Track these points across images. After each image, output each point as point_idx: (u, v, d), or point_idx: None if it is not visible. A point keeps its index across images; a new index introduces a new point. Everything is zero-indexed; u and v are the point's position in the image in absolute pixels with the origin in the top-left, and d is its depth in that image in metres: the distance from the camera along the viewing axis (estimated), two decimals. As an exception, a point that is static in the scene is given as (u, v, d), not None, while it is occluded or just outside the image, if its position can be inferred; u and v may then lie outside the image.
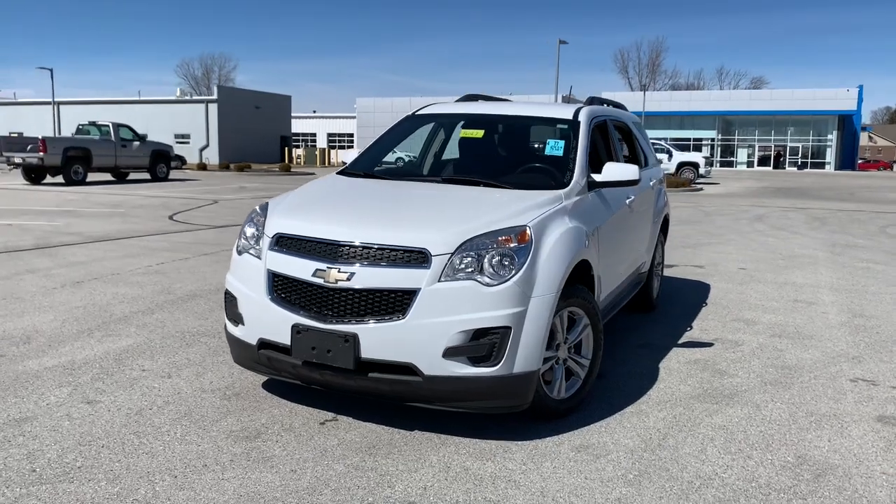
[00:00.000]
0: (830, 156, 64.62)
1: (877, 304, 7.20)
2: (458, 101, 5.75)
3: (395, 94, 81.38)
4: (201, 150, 51.49)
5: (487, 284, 3.48)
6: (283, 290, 3.72)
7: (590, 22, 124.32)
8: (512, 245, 3.58)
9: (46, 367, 4.57)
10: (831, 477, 3.44)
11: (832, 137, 64.30)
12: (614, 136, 5.47)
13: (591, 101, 5.58)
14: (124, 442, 3.54)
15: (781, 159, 65.40)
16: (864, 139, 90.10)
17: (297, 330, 3.59)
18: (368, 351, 3.48)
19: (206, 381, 4.41)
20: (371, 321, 3.48)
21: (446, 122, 5.49)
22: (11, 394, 4.12)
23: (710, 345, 5.63)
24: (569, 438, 3.77)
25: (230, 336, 4.03)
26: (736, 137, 66.77)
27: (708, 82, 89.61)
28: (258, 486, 3.15)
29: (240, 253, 4.01)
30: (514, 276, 3.51)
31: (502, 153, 5.10)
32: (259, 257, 3.86)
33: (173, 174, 28.94)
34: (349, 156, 5.19)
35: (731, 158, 66.24)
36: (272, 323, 3.70)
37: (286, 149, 54.39)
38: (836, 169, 63.17)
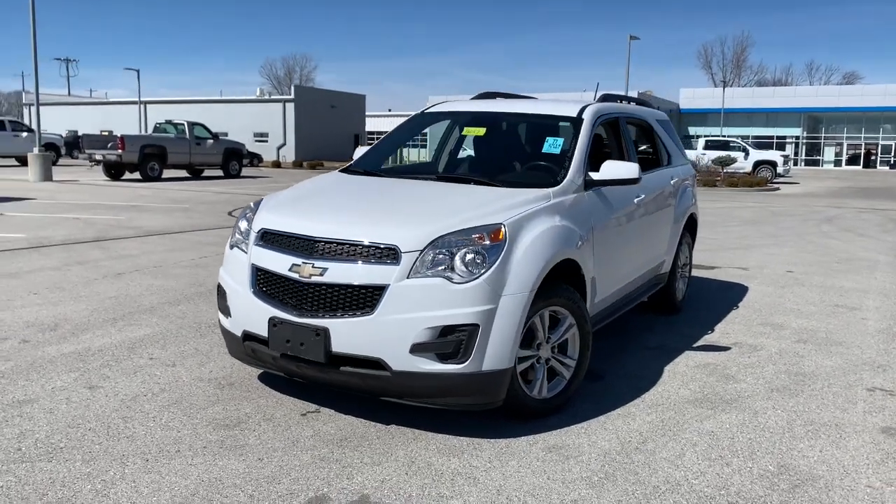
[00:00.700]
0: (926, 155, 61.23)
1: (923, 311, 6.84)
2: (473, 98, 5.77)
3: (471, 92, 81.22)
4: (278, 148, 52.79)
5: (456, 282, 3.50)
6: (265, 283, 3.83)
7: (673, 16, 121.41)
8: (485, 243, 3.59)
9: (63, 353, 4.83)
10: (809, 488, 3.31)
11: (929, 135, 60.94)
12: (627, 134, 5.37)
13: (605, 97, 5.50)
14: (110, 426, 3.71)
15: (873, 158, 62.29)
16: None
17: (273, 323, 3.69)
18: (339, 345, 3.54)
19: (207, 371, 4.58)
20: (341, 316, 3.55)
21: (456, 120, 5.51)
22: (23, 377, 4.37)
23: (727, 349, 5.47)
24: (544, 438, 3.75)
25: (222, 328, 4.18)
26: (823, 135, 64.02)
27: (797, 78, 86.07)
28: (222, 472, 3.26)
29: (231, 247, 4.15)
30: (483, 273, 3.52)
31: (502, 150, 5.09)
32: (246, 252, 3.98)
33: (246, 171, 29.84)
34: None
35: (818, 157, 63.54)
36: (254, 315, 3.81)
37: (359, 147, 55.19)
38: (932, 168, 59.83)
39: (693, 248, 7.03)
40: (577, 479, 3.31)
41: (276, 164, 42.11)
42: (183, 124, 25.94)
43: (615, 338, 5.63)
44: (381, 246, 3.56)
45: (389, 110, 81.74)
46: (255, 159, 42.24)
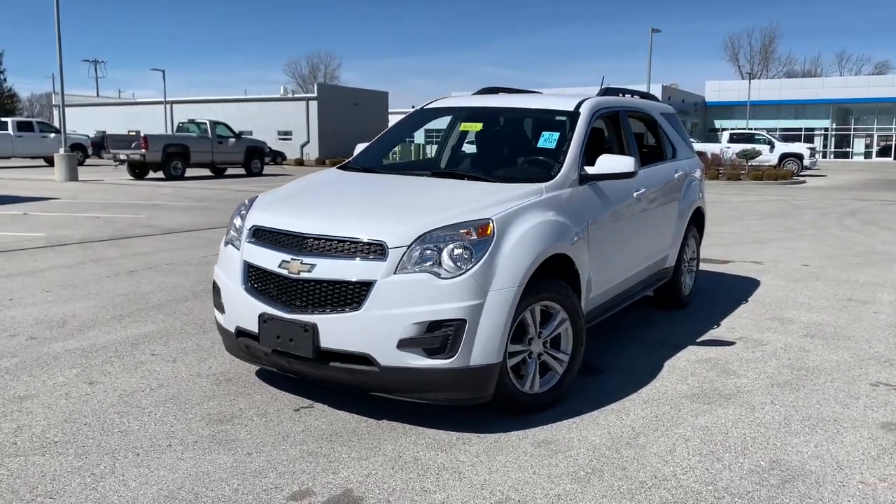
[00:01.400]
0: (961, 146, 59.91)
1: (938, 305, 6.71)
2: (475, 94, 5.76)
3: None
4: (302, 146, 53.10)
5: (444, 277, 3.50)
6: (256, 280, 3.87)
7: (699, 8, 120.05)
8: (472, 238, 3.59)
9: (67, 350, 4.91)
10: (799, 484, 3.27)
11: (964, 126, 59.63)
12: (627, 128, 5.33)
13: (606, 91, 5.47)
14: (105, 420, 3.78)
15: (904, 149, 61.12)
16: None
17: (263, 319, 3.73)
18: (327, 341, 3.57)
19: (206, 367, 4.63)
20: (330, 312, 3.57)
21: (457, 116, 5.51)
22: (26, 373, 4.46)
23: (731, 343, 5.42)
24: (534, 433, 3.74)
25: (217, 324, 4.22)
26: (852, 127, 62.92)
27: (826, 68, 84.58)
28: (210, 466, 3.30)
29: (226, 244, 4.19)
30: (470, 269, 3.52)
31: (498, 146, 5.08)
32: (239, 248, 4.02)
33: (269, 169, 30.06)
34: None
35: (847, 149, 62.46)
36: (246, 312, 3.85)
37: (392, 148, 55.30)
38: (967, 160, 58.53)
39: (700, 243, 6.96)
40: (563, 474, 3.31)
41: (300, 162, 42.38)
42: (205, 123, 26.22)
43: (616, 332, 5.60)
44: (368, 242, 3.57)
45: (413, 107, 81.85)
46: (279, 157, 42.56)
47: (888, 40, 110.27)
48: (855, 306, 6.65)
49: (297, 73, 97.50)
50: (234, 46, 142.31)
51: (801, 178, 28.81)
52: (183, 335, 5.32)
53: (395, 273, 3.51)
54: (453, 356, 3.50)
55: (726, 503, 3.10)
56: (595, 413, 4.03)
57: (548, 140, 4.63)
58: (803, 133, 59.86)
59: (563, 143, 4.57)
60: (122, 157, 24.08)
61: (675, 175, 5.97)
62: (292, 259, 3.67)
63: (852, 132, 62.88)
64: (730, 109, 62.32)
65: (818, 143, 56.58)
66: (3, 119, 32.00)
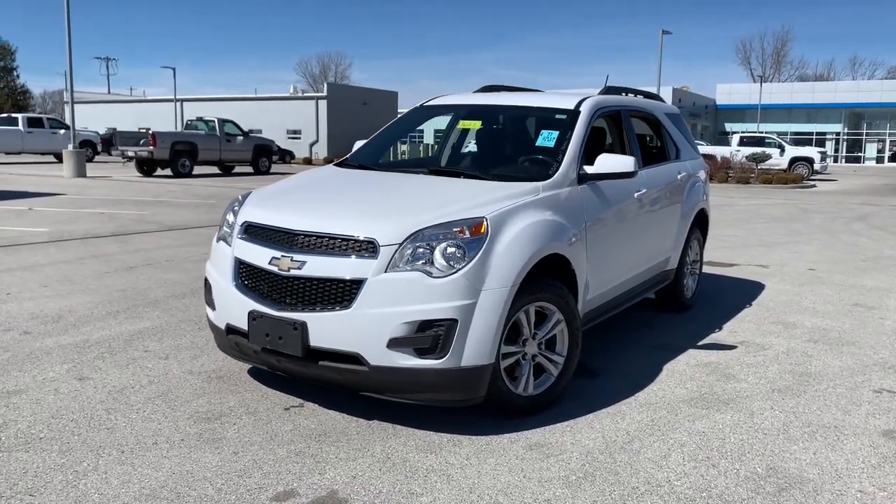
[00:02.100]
0: (975, 151, 59.40)
1: (945, 311, 6.60)
2: (476, 91, 5.70)
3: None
4: (311, 145, 53.15)
5: (435, 276, 3.44)
6: (247, 277, 3.81)
7: (711, 11, 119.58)
8: (465, 237, 3.52)
9: (60, 345, 4.88)
10: (796, 492, 3.19)
11: (978, 131, 59.12)
12: (629, 128, 5.25)
13: (609, 90, 5.39)
14: (92, 417, 3.73)
15: (917, 154, 60.63)
16: None
17: (252, 316, 3.67)
18: (317, 339, 3.51)
19: (198, 364, 4.58)
20: (320, 310, 3.51)
21: (457, 114, 5.45)
22: (17, 368, 4.42)
23: (732, 348, 5.33)
24: (527, 436, 3.67)
25: (208, 321, 4.17)
26: (865, 131, 62.49)
27: (839, 73, 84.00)
28: (195, 465, 3.25)
29: (218, 241, 4.14)
30: (463, 268, 3.45)
31: (495, 144, 5.02)
32: (230, 245, 3.97)
33: (277, 168, 30.03)
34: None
35: (859, 154, 62.05)
36: (236, 309, 3.79)
37: (390, 145, 55.30)
38: (980, 165, 57.99)
39: (704, 245, 6.87)
40: (553, 479, 3.24)
41: (308, 161, 42.40)
42: (213, 121, 26.23)
43: (615, 335, 5.53)
44: (360, 239, 3.51)
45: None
46: (288, 156, 42.59)
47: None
48: (860, 311, 6.55)
49: (307, 72, 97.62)
50: (246, 45, 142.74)
51: (811, 183, 28.60)
52: (178, 332, 5.28)
53: (386, 271, 3.45)
54: (444, 356, 3.44)
55: (720, 511, 3.02)
56: (590, 416, 3.96)
57: (547, 139, 4.56)
58: (814, 137, 59.48)
59: (563, 141, 4.50)
60: (131, 153, 24.11)
61: (679, 176, 5.89)
62: (282, 256, 3.62)
63: (864, 137, 62.45)
64: (741, 113, 62.05)
65: (829, 147, 56.23)
66: (14, 115, 32.16)
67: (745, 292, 7.24)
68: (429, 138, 45.32)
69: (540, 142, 4.60)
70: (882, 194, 23.10)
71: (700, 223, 6.43)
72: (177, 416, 3.78)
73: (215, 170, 27.30)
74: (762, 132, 42.64)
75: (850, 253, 10.09)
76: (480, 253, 3.50)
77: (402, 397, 3.59)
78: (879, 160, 61.16)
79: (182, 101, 55.80)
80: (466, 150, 5.30)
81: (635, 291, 5.25)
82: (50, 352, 4.74)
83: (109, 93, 76.63)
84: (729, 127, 61.00)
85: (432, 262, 3.47)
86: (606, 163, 4.38)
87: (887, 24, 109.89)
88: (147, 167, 24.53)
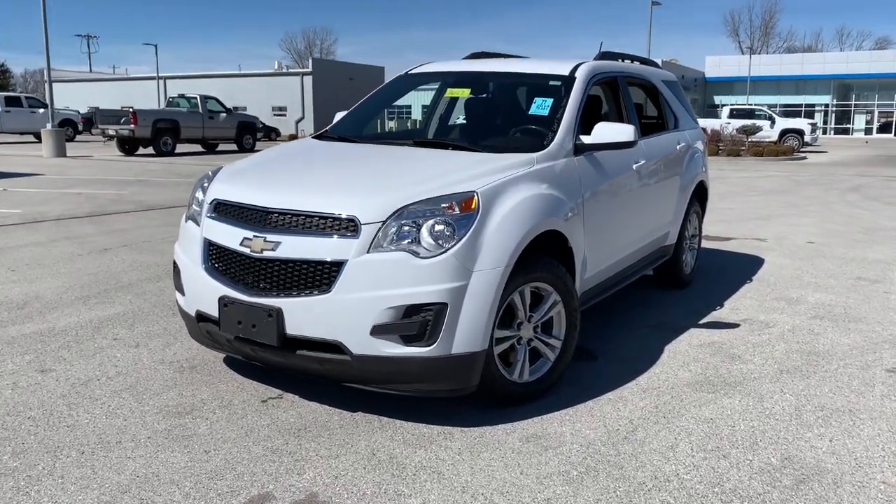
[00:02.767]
0: (963, 121, 59.31)
1: (952, 284, 6.38)
2: (464, 58, 5.37)
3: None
4: (297, 122, 52.50)
5: (422, 256, 3.15)
6: (217, 259, 3.51)
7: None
8: (454, 213, 3.23)
9: (24, 334, 4.57)
10: (815, 484, 2.95)
11: (965, 101, 59.01)
12: (627, 95, 4.95)
13: (604, 55, 5.08)
14: (52, 413, 3.44)
15: (905, 126, 60.49)
16: None
17: (223, 303, 3.38)
18: (293, 327, 3.22)
19: (170, 353, 4.29)
20: (296, 295, 3.22)
21: (444, 82, 5.13)
22: (-26, 360, 4.12)
23: (736, 326, 5.08)
24: (523, 426, 3.41)
25: (179, 308, 3.88)
26: (853, 102, 62.28)
27: (827, 44, 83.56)
28: (161, 466, 2.97)
29: (186, 220, 3.83)
30: (452, 247, 3.16)
31: (487, 113, 4.70)
32: (199, 225, 3.66)
33: (262, 145, 29.50)
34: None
35: (848, 125, 61.88)
36: (206, 294, 3.50)
37: (378, 121, 54.73)
38: (968, 136, 57.96)
39: (703, 218, 6.61)
40: (553, 474, 2.98)
41: (294, 138, 41.79)
42: (196, 98, 25.70)
43: (613, 314, 5.27)
44: (339, 217, 3.22)
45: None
46: (273, 133, 41.97)
47: (889, 16, 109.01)
48: (864, 286, 6.32)
49: (292, 48, 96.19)
50: (230, 22, 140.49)
51: (802, 155, 28.41)
52: (150, 318, 4.98)
53: (368, 252, 3.16)
54: (433, 343, 3.16)
55: (735, 508, 2.78)
56: (590, 403, 3.70)
57: (540, 107, 4.26)
58: (803, 109, 59.27)
59: (557, 109, 4.20)
60: (111, 132, 23.58)
61: (678, 146, 5.60)
62: (254, 236, 3.31)
63: (853, 108, 62.27)
64: (730, 85, 61.66)
65: (818, 119, 55.98)
66: (-9, 94, 31.44)
67: (744, 267, 6.99)
68: (417, 114, 44.75)
69: (533, 110, 4.29)
70: (873, 165, 22.93)
71: (699, 196, 6.16)
72: (144, 411, 3.49)
73: (199, 148, 26.81)
74: (751, 104, 42.37)
75: (848, 225, 9.87)
76: (471, 231, 3.21)
77: (388, 388, 3.32)
78: (868, 131, 61.01)
79: (165, 78, 54.90)
80: (455, 120, 4.98)
81: (634, 268, 4.98)
82: (11, 342, 4.43)
83: (91, 71, 75.37)
84: (718, 100, 60.65)
85: (419, 242, 3.18)
86: (605, 132, 4.08)
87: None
88: (129, 146, 24.03)
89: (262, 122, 29.03)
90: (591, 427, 3.43)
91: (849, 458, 3.17)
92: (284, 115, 52.44)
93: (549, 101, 4.27)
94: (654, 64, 6.00)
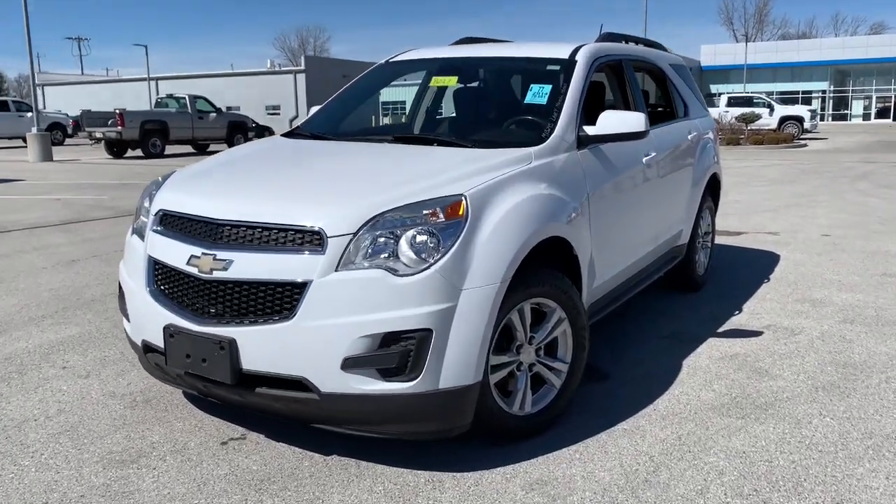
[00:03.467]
0: (962, 105, 58.78)
1: None
2: (452, 44, 4.85)
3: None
4: (291, 120, 51.82)
5: (402, 274, 2.64)
6: (162, 280, 3.00)
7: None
8: (438, 221, 2.72)
9: (-39, 364, 4.06)
10: (878, 539, 2.45)
11: (964, 85, 58.45)
12: (633, 81, 4.44)
13: (607, 37, 4.56)
14: (-28, 467, 2.93)
15: (903, 110, 59.92)
16: None
17: (169, 332, 2.86)
18: (250, 361, 2.72)
19: (123, 384, 3.78)
20: (252, 323, 2.71)
21: (428, 70, 4.61)
22: None
23: (759, 334, 4.58)
24: (526, 469, 2.91)
25: (126, 336, 3.36)
26: (851, 88, 61.70)
27: (822, 31, 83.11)
28: (91, 536, 2.46)
29: (132, 234, 3.32)
30: (437, 262, 2.66)
31: (476, 104, 4.20)
32: (143, 239, 3.15)
33: (253, 145, 28.97)
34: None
35: (845, 111, 61.31)
36: (151, 322, 2.99)
37: (373, 117, 54.22)
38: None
39: (716, 214, 6.10)
40: (563, 534, 2.48)
41: (287, 137, 41.21)
42: (184, 98, 25.13)
43: (621, 324, 4.76)
44: (301, 229, 2.70)
45: (404, 79, 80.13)
46: (267, 132, 41.34)
47: (883, 1, 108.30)
48: (893, 283, 5.82)
49: (286, 46, 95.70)
50: (223, 21, 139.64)
51: (803, 142, 27.90)
52: (107, 340, 4.46)
53: (337, 270, 2.65)
54: (416, 378, 2.65)
55: (785, 574, 2.27)
56: (602, 436, 3.19)
57: (537, 94, 3.74)
58: (800, 96, 58.76)
59: (557, 97, 3.68)
60: (98, 134, 23.03)
61: (689, 136, 5.09)
62: (203, 254, 2.80)
63: (851, 94, 61.71)
64: (725, 74, 61.09)
65: (816, 105, 55.40)
66: (-23, 99, 30.86)
67: (759, 265, 6.48)
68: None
69: (529, 99, 3.77)
70: (876, 151, 22.41)
71: (712, 189, 5.65)
72: (82, 460, 2.98)
73: (189, 149, 26.22)
74: (749, 92, 41.83)
75: (863, 215, 9.35)
76: (459, 241, 2.70)
77: (365, 430, 2.81)
78: (866, 117, 60.49)
79: (157, 79, 54.30)
80: (442, 112, 4.46)
81: (646, 273, 4.47)
82: (-55, 374, 3.92)
83: (83, 74, 74.64)
84: (714, 88, 59.99)
85: (397, 256, 2.67)
86: (611, 121, 3.57)
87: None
88: (117, 148, 23.48)
89: (254, 122, 28.40)
90: (605, 468, 2.92)
91: (912, 502, 2.67)
92: (279, 114, 51.88)
93: (548, 88, 3.75)
94: (661, 46, 5.49)
